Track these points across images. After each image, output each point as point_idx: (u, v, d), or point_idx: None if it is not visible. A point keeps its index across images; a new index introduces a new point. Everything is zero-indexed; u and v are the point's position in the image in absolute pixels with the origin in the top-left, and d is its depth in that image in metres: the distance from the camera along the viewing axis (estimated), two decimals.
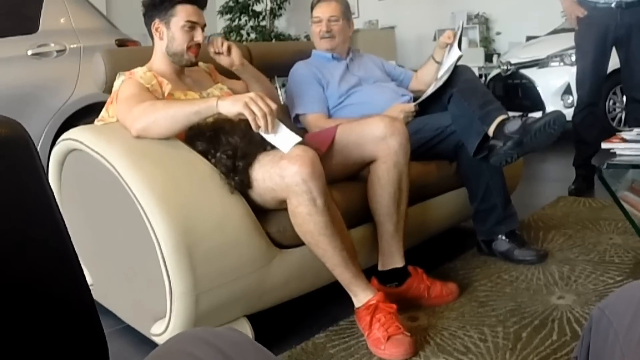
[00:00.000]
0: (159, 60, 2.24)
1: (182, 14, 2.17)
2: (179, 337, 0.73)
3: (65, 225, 0.70)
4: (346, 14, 2.86)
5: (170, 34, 2.19)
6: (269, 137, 1.87)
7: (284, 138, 1.86)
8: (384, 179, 2.13)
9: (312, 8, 2.89)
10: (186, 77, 2.29)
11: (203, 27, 2.25)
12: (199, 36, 2.21)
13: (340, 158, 2.18)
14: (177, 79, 2.23)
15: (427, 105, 2.65)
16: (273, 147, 1.93)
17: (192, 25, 2.19)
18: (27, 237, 0.67)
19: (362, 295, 1.96)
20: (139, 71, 2.15)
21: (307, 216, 1.85)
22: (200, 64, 2.38)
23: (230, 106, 1.84)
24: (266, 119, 1.81)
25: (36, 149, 0.67)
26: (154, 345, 1.90)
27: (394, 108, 2.62)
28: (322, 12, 2.83)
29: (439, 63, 2.79)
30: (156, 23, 2.20)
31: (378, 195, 2.15)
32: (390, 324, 1.90)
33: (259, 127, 1.82)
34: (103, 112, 2.16)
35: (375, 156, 2.14)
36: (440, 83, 2.55)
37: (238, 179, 1.88)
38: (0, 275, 0.64)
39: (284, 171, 1.83)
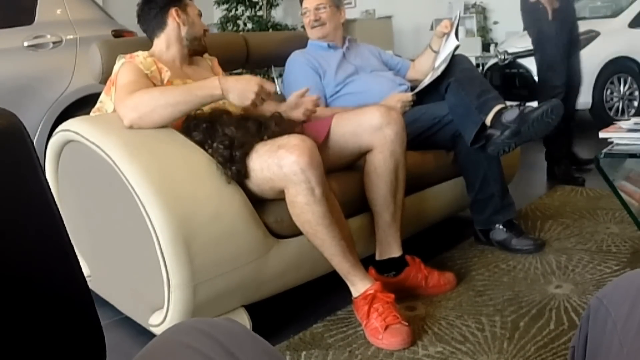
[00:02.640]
0: (167, 47, 2.27)
1: (192, 4, 2.35)
2: (175, 328, 0.72)
3: (61, 217, 0.69)
4: (334, 0, 2.86)
5: (190, 20, 2.31)
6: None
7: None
8: (381, 168, 2.13)
9: (300, 1, 2.90)
10: (188, 66, 2.31)
11: None
12: (205, 26, 2.40)
13: (336, 148, 2.18)
14: (178, 67, 2.25)
15: (424, 95, 2.65)
16: (270, 137, 1.94)
17: (200, 14, 2.37)
18: (22, 229, 0.66)
19: (360, 285, 1.96)
20: (139, 55, 2.16)
21: (305, 206, 1.85)
22: (205, 55, 2.43)
23: (238, 101, 1.93)
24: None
25: (31, 141, 0.67)
26: (152, 336, 1.90)
27: (391, 97, 2.62)
28: (309, 2, 2.84)
29: (436, 52, 2.78)
30: (177, 10, 2.28)
31: (375, 184, 2.15)
32: (388, 314, 1.90)
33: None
34: (103, 96, 2.17)
35: (371, 146, 2.13)
36: (437, 73, 2.54)
37: (235, 169, 1.88)
38: None
39: (282, 161, 1.82)
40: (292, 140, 1.86)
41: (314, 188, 1.83)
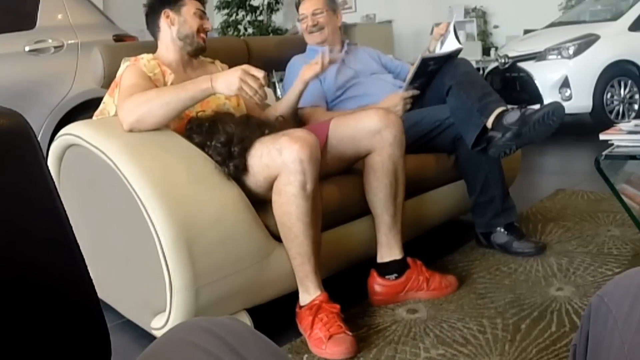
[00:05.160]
0: (167, 50, 2.27)
1: (192, 3, 2.28)
2: (180, 326, 0.72)
3: (67, 216, 0.70)
4: (330, 5, 2.87)
5: (182, 19, 2.26)
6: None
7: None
8: (380, 171, 2.13)
9: (297, 8, 2.92)
10: (193, 70, 2.30)
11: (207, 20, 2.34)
12: (207, 24, 2.31)
13: (335, 152, 2.18)
14: (182, 70, 2.25)
15: (425, 99, 2.65)
16: (271, 132, 1.94)
17: (201, 14, 2.30)
18: (29, 228, 0.66)
19: (313, 291, 1.94)
20: (144, 58, 2.17)
21: (292, 197, 1.85)
22: (217, 62, 2.42)
23: (226, 89, 1.91)
24: (258, 92, 1.90)
25: (37, 140, 0.68)
26: (154, 339, 1.90)
27: (392, 96, 2.62)
28: (306, 8, 2.86)
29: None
30: (167, 12, 2.27)
31: (374, 187, 2.16)
32: (332, 324, 1.88)
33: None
34: (106, 97, 2.18)
35: (370, 149, 2.14)
36: (442, 53, 2.57)
37: (232, 165, 1.88)
38: (1, 266, 0.64)
39: (283, 147, 1.83)
40: (297, 132, 1.88)
41: (307, 182, 1.83)
